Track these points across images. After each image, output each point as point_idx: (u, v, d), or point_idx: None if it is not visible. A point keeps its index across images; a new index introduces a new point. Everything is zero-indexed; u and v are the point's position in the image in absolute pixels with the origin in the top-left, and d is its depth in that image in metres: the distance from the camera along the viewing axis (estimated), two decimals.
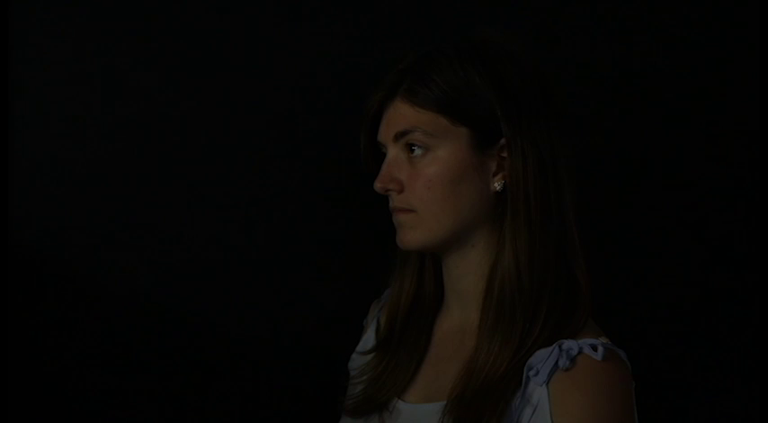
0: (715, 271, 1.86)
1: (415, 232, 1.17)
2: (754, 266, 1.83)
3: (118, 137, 1.74)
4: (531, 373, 1.09)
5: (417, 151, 1.16)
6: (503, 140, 1.15)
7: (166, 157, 1.75)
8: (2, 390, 1.61)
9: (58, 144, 1.72)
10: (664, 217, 1.86)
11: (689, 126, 1.84)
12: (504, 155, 1.16)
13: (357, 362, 1.35)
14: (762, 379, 1.80)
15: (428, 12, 1.78)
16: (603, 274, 1.23)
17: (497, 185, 1.16)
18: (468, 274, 1.20)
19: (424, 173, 1.16)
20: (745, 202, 1.84)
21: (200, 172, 1.77)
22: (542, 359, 1.09)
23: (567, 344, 1.09)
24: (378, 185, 1.19)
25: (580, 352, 1.09)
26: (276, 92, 1.77)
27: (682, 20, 1.83)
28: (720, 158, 1.85)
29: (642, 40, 1.83)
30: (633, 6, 1.82)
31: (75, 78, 1.72)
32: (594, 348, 1.09)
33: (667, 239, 1.86)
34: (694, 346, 1.86)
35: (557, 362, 1.08)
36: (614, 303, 1.68)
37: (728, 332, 1.85)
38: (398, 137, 1.17)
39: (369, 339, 1.36)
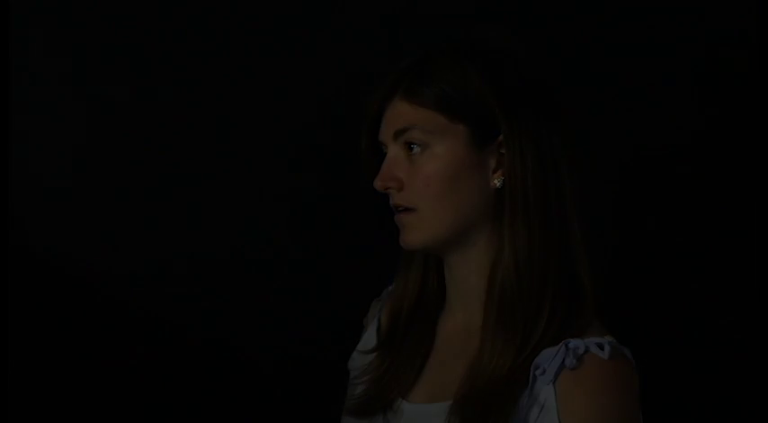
0: (716, 270, 1.86)
1: (417, 232, 1.17)
2: (754, 266, 1.83)
3: (118, 137, 1.74)
4: (538, 372, 1.09)
5: (416, 149, 1.16)
6: (501, 137, 1.15)
7: (167, 158, 1.76)
8: (2, 390, 1.60)
9: (58, 144, 1.72)
10: (664, 216, 1.86)
11: (689, 125, 1.84)
12: (503, 151, 1.15)
13: (357, 361, 1.34)
14: (762, 379, 1.81)
15: (428, 12, 1.79)
16: (606, 272, 1.22)
17: (497, 182, 1.16)
18: (470, 274, 1.19)
19: (423, 170, 1.15)
20: (745, 202, 1.85)
21: (200, 173, 1.77)
22: (549, 358, 1.09)
23: (574, 343, 1.09)
24: (378, 184, 1.19)
25: (587, 351, 1.09)
26: (277, 93, 1.77)
27: (682, 19, 1.84)
28: (720, 158, 1.85)
29: (642, 39, 1.83)
30: (634, 6, 1.82)
31: (77, 78, 1.72)
32: (601, 347, 1.09)
33: (667, 238, 1.86)
34: (696, 344, 1.86)
35: (563, 361, 1.08)
36: (615, 302, 1.68)
37: (730, 331, 1.86)
38: (397, 135, 1.17)
39: (369, 338, 1.35)
